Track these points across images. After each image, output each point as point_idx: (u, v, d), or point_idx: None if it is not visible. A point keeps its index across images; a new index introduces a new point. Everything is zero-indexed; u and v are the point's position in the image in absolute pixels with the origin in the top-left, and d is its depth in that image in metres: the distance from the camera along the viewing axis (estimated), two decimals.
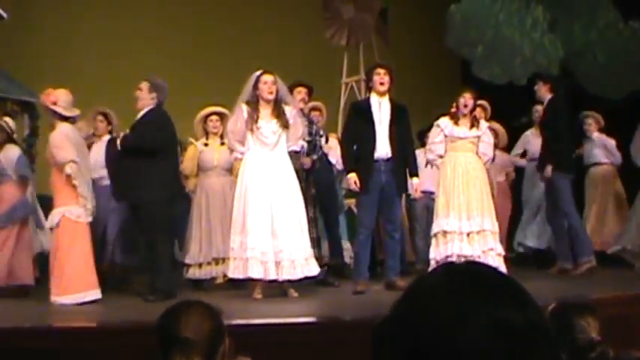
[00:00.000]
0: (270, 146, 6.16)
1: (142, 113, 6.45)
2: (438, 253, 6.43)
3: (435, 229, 6.52)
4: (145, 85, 6.49)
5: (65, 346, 4.38)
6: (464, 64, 10.11)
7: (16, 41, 9.72)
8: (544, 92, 7.54)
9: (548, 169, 7.22)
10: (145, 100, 6.44)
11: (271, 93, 6.19)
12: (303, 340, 4.32)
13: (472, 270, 1.09)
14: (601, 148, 8.24)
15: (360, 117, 6.58)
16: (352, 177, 6.46)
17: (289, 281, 5.97)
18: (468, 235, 6.40)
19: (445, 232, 6.45)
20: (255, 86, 6.24)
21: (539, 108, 7.93)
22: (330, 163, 7.47)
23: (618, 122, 8.18)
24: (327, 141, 7.34)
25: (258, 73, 6.31)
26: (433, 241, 6.53)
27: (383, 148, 6.47)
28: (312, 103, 7.72)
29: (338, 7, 9.98)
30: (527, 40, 8.85)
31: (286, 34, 11.23)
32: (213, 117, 7.22)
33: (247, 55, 9.77)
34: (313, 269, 6.05)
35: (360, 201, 6.71)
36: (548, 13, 9.16)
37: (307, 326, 4.59)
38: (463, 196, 6.49)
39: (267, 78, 6.24)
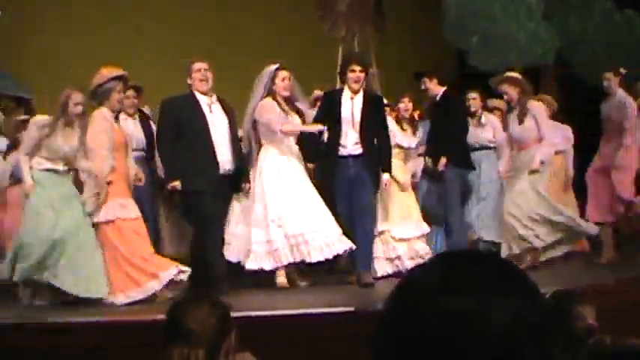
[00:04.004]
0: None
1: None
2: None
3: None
4: None
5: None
6: (459, 53, 10.12)
7: (12, 39, 9.70)
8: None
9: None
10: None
11: (285, 89, 6.16)
12: (303, 333, 4.34)
13: (476, 260, 1.05)
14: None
15: (328, 111, 6.29)
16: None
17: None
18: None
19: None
20: (273, 81, 6.14)
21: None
22: None
23: None
24: None
25: (274, 67, 6.20)
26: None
27: (352, 146, 6.20)
28: (316, 93, 7.70)
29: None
30: (522, 29, 8.86)
31: (282, 26, 11.20)
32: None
33: (243, 46, 9.75)
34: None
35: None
36: (542, 2, 9.18)
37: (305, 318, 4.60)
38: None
39: (285, 74, 6.18)
